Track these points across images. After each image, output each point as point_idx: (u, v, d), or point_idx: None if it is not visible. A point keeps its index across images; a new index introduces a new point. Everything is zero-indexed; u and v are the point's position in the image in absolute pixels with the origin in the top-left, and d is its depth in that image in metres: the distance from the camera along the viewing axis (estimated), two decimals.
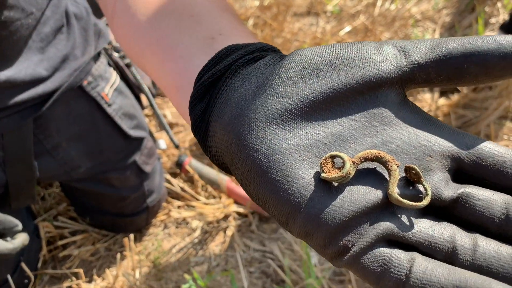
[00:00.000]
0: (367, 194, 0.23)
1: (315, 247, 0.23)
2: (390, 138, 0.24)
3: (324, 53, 0.26)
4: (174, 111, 1.24)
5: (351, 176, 0.23)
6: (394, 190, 0.22)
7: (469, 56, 0.24)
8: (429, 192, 0.23)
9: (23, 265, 0.82)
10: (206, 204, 0.96)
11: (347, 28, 1.50)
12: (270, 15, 1.57)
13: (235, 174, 0.27)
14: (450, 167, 0.24)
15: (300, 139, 0.24)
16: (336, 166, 0.23)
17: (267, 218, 0.95)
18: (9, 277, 0.79)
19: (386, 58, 0.25)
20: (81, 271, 0.86)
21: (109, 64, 0.87)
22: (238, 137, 0.25)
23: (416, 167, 0.23)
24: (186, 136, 1.15)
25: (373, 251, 0.22)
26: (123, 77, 0.89)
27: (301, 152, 0.24)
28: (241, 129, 0.25)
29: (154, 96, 1.03)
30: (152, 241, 0.93)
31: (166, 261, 0.90)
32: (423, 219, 0.23)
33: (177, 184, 0.99)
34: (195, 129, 0.29)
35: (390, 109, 0.25)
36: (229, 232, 0.93)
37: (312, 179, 0.23)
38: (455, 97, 1.17)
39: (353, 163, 0.23)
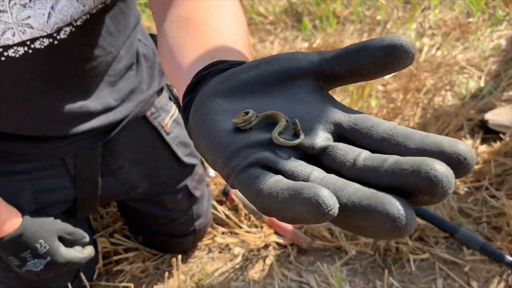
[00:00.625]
0: (258, 135, 0.30)
1: (218, 171, 0.31)
2: (295, 109, 0.32)
3: (266, 57, 0.35)
4: None
5: (252, 123, 0.30)
6: (276, 133, 0.29)
7: (359, 50, 0.30)
8: (301, 138, 0.29)
9: (82, 275, 0.91)
10: (248, 232, 1.02)
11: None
12: None
13: (190, 137, 0.36)
14: (332, 130, 0.30)
15: (231, 105, 0.33)
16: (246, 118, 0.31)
17: (305, 250, 0.99)
18: (69, 285, 0.88)
19: (306, 58, 0.33)
20: (131, 286, 0.93)
21: (170, 98, 0.97)
22: (195, 108, 0.35)
23: (297, 122, 0.30)
24: None
25: (250, 170, 0.28)
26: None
27: (228, 113, 0.32)
28: (198, 103, 0.35)
29: None
30: (197, 264, 1.00)
31: (208, 283, 0.96)
32: (295, 159, 0.29)
33: (223, 211, 1.06)
34: (182, 113, 0.38)
35: (304, 93, 0.33)
36: (268, 261, 0.98)
37: (230, 128, 0.31)
38: (496, 145, 1.18)
39: (256, 116, 0.31)
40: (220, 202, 1.10)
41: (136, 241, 1.02)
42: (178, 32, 0.48)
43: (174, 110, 0.95)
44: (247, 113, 0.31)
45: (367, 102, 1.42)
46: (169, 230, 0.97)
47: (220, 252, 1.02)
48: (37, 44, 0.63)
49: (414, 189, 0.24)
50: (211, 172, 1.09)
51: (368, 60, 0.30)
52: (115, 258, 0.99)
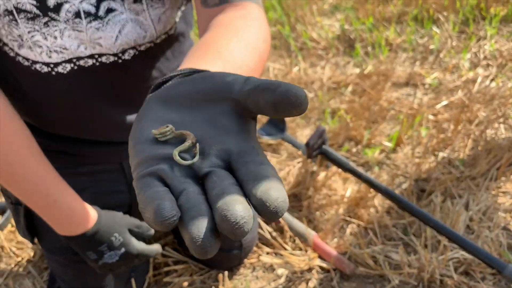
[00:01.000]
0: (164, 149, 0.34)
1: (132, 173, 0.35)
2: (206, 131, 0.35)
3: (206, 72, 0.39)
4: (273, 164, 1.36)
5: (167, 137, 0.35)
6: (177, 151, 0.33)
7: (264, 90, 0.33)
8: (195, 160, 0.33)
9: (133, 281, 0.96)
10: (292, 254, 1.05)
11: (444, 102, 1.53)
12: (370, 83, 1.66)
13: None
14: (224, 157, 0.33)
15: (163, 115, 0.37)
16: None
17: (348, 276, 1.01)
18: None
19: (233, 83, 0.36)
20: None
21: None
22: (142, 108, 0.40)
23: (197, 145, 0.34)
24: None
25: (146, 178, 0.32)
26: None
27: (157, 122, 0.37)
28: (145, 104, 0.40)
29: None
30: (241, 281, 1.03)
31: None
32: (184, 176, 0.32)
33: (268, 231, 1.09)
34: None
35: (221, 116, 0.36)
36: (311, 284, 1.00)
37: (151, 135, 0.36)
38: None
39: (172, 132, 0.35)
40: (266, 222, 1.14)
41: (185, 255, 1.07)
42: (191, 52, 0.53)
43: None
44: (167, 126, 0.35)
45: (417, 131, 1.41)
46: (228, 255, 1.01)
47: (264, 272, 1.05)
48: (103, 59, 0.73)
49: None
50: None
51: (269, 101, 0.33)
52: (165, 269, 1.04)
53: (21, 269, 1.09)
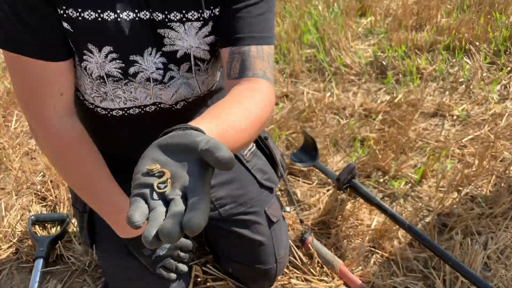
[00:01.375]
0: (150, 180, 0.50)
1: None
2: (180, 172, 0.51)
3: (185, 131, 0.54)
4: (304, 190, 1.45)
5: (153, 172, 0.51)
6: (156, 182, 0.50)
7: (209, 151, 0.49)
8: (166, 190, 0.49)
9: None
10: (319, 280, 1.14)
11: (470, 136, 1.60)
12: (399, 113, 1.74)
13: None
14: (183, 189, 0.50)
15: (159, 156, 0.53)
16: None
17: None
18: None
19: (199, 142, 0.51)
20: None
21: None
22: (147, 148, 0.55)
23: (169, 181, 0.50)
24: (310, 215, 1.35)
25: (135, 197, 0.49)
26: (259, 145, 1.17)
27: (152, 160, 0.52)
28: (149, 146, 0.55)
29: (284, 169, 1.27)
30: None
31: None
32: (158, 199, 0.49)
33: (299, 256, 1.19)
34: None
35: (191, 163, 0.52)
36: None
37: (145, 169, 0.52)
38: None
39: (157, 169, 0.51)
40: (297, 247, 1.24)
41: (224, 273, 1.18)
42: (204, 112, 0.69)
43: (252, 146, 1.13)
44: (155, 165, 0.51)
45: (443, 165, 1.48)
46: (254, 257, 1.11)
47: None
48: (161, 106, 0.94)
49: None
50: (287, 208, 1.23)
51: (211, 160, 0.49)
52: (204, 286, 1.16)
53: (77, 278, 1.23)
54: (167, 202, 0.49)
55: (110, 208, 0.93)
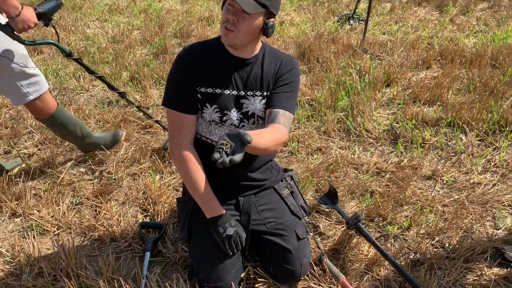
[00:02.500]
0: (223, 146, 1.19)
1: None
2: (234, 143, 1.21)
3: (239, 130, 1.24)
4: (325, 224, 2.04)
5: (224, 144, 1.19)
6: (224, 147, 1.19)
7: (241, 134, 1.22)
8: (227, 149, 1.19)
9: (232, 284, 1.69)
10: (328, 287, 1.73)
11: (452, 198, 2.15)
12: (402, 174, 2.31)
13: None
14: None
15: (225, 138, 1.20)
16: None
17: None
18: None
19: (240, 132, 1.51)
20: None
21: (287, 185, 1.78)
22: None
23: (229, 146, 1.19)
24: (328, 243, 1.94)
25: (216, 151, 1.18)
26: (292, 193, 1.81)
27: (222, 139, 1.21)
28: None
29: (306, 210, 1.87)
30: None
31: None
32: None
33: (316, 270, 1.78)
34: None
35: (239, 141, 1.21)
36: None
37: (221, 142, 1.22)
38: (506, 271, 1.74)
39: (226, 143, 1.20)
40: (315, 264, 1.82)
41: (266, 273, 1.78)
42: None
43: (287, 191, 1.77)
44: (225, 141, 1.33)
45: (427, 217, 2.04)
46: (286, 261, 1.69)
47: None
48: None
49: None
50: (311, 232, 1.83)
51: (242, 139, 1.19)
52: (253, 281, 1.76)
53: (170, 267, 1.85)
54: (227, 154, 1.14)
55: (205, 199, 1.61)
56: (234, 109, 1.59)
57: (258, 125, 1.64)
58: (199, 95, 1.57)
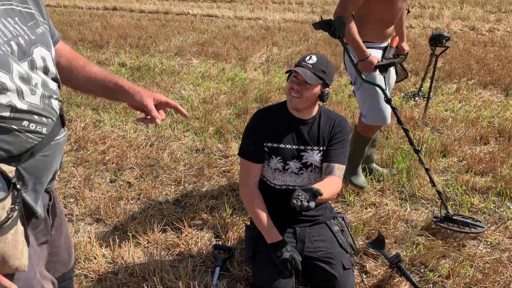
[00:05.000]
0: (298, 197, 1.59)
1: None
2: (306, 194, 1.61)
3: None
4: (371, 265, 2.29)
5: (300, 195, 1.59)
6: (299, 198, 1.60)
7: (315, 190, 1.63)
8: (302, 199, 1.62)
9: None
10: None
11: (493, 257, 2.30)
12: (447, 233, 2.51)
13: None
14: None
15: (299, 191, 1.59)
16: None
17: None
18: None
19: (312, 187, 2.01)
20: None
21: (339, 224, 2.07)
22: None
23: (304, 196, 1.57)
24: (371, 280, 2.18)
25: (293, 198, 1.59)
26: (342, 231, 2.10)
27: (298, 192, 1.60)
28: None
29: (354, 248, 2.14)
30: None
31: None
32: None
33: None
34: None
35: (311, 192, 1.62)
36: None
37: (297, 194, 1.95)
38: None
39: (301, 195, 1.59)
40: None
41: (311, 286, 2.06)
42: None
43: (338, 228, 2.05)
44: (300, 193, 1.59)
45: (464, 270, 2.22)
46: (331, 285, 1.94)
47: None
48: (292, 186, 1.84)
49: None
50: (356, 266, 2.09)
51: (314, 191, 1.58)
52: None
53: (236, 283, 2.19)
54: (301, 201, 1.50)
55: (266, 228, 1.95)
56: (295, 160, 1.97)
57: (314, 173, 2.00)
58: (266, 148, 1.98)
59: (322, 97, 1.93)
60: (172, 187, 3.03)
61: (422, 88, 4.84)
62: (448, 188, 2.94)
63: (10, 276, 1.08)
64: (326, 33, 2.46)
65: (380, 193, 2.94)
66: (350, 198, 2.85)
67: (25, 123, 1.02)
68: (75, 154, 3.50)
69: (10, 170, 0.99)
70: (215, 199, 2.88)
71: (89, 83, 1.27)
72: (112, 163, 3.35)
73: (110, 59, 6.30)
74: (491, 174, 3.08)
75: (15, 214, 0.99)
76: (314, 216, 2.07)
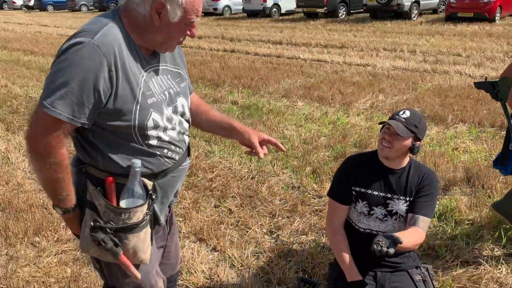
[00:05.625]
0: (378, 242, 1.68)
1: None
2: (388, 242, 1.67)
3: None
4: None
5: (381, 241, 1.83)
6: (380, 243, 1.91)
7: (395, 237, 1.84)
8: (383, 244, 1.68)
9: None
10: None
11: None
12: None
13: None
14: None
15: (380, 237, 1.95)
16: None
17: None
18: None
19: (393, 235, 1.83)
20: None
21: (423, 280, 2.10)
22: None
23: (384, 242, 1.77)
24: None
25: (373, 244, 1.69)
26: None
27: (379, 237, 1.68)
28: None
29: None
30: None
31: None
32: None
33: None
34: None
35: (392, 240, 1.87)
36: None
37: (378, 239, 1.90)
38: None
39: (381, 241, 1.70)
40: None
41: None
42: None
43: (421, 276, 2.08)
44: (382, 239, 1.65)
45: None
46: None
47: None
48: (375, 231, 1.95)
49: None
50: None
51: (394, 239, 1.66)
52: None
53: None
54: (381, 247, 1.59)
55: (347, 266, 2.05)
56: (381, 207, 2.07)
57: (398, 222, 2.07)
58: (354, 192, 2.11)
59: (412, 150, 2.05)
60: (267, 218, 3.28)
61: None
62: None
63: (136, 267, 1.40)
64: (478, 90, 2.44)
65: (477, 252, 2.87)
66: (441, 251, 2.82)
67: (165, 150, 1.36)
68: (187, 179, 3.95)
69: (149, 184, 1.33)
70: (305, 235, 3.06)
71: (210, 124, 1.62)
72: (217, 191, 3.73)
73: (224, 97, 6.93)
74: None
75: (147, 217, 1.32)
76: (397, 263, 2.14)
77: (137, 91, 1.28)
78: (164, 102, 1.34)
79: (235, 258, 2.77)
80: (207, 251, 2.90)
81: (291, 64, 9.55)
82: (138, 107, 1.28)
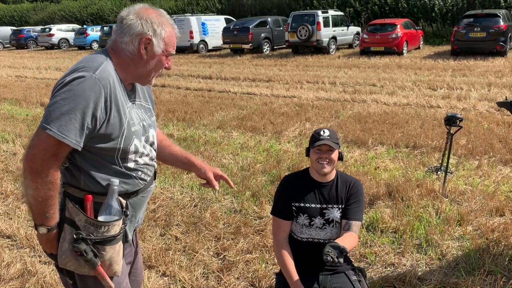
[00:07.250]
0: (327, 253, 1.91)
1: None
2: (335, 252, 1.90)
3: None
4: None
5: (330, 252, 2.12)
6: (330, 254, 1.88)
7: (337, 246, 1.75)
8: (332, 254, 1.75)
9: None
10: None
11: None
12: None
13: None
14: None
15: (328, 248, 1.83)
16: None
17: None
18: None
19: (338, 244, 1.81)
20: None
21: None
22: None
23: (333, 252, 2.01)
24: None
25: (324, 257, 1.97)
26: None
27: (327, 248, 2.18)
28: None
29: None
30: None
31: None
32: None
33: None
34: None
35: (339, 248, 2.26)
36: None
37: (327, 250, 2.20)
38: None
39: (330, 252, 1.78)
40: None
41: None
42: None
43: (355, 278, 2.36)
44: (330, 250, 2.01)
45: None
46: None
47: None
48: (317, 240, 2.21)
49: None
50: None
51: (337, 245, 1.87)
52: None
53: None
54: (332, 258, 1.82)
55: (291, 277, 2.25)
56: (319, 217, 2.34)
57: (335, 228, 2.35)
58: (294, 208, 2.37)
59: (341, 157, 2.38)
60: (213, 241, 3.44)
61: (443, 163, 5.17)
62: (463, 252, 3.21)
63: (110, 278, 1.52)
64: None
65: (400, 256, 3.24)
66: (372, 258, 3.15)
67: (139, 173, 1.54)
68: None
69: (124, 202, 1.49)
70: (250, 253, 3.26)
71: (171, 158, 1.85)
72: (161, 220, 3.82)
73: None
74: (504, 243, 3.32)
75: (122, 232, 1.47)
76: (336, 266, 2.42)
77: (124, 119, 1.48)
78: (140, 132, 1.54)
79: (185, 280, 2.89)
80: (157, 276, 2.98)
81: (222, 97, 9.88)
82: (124, 133, 1.47)
